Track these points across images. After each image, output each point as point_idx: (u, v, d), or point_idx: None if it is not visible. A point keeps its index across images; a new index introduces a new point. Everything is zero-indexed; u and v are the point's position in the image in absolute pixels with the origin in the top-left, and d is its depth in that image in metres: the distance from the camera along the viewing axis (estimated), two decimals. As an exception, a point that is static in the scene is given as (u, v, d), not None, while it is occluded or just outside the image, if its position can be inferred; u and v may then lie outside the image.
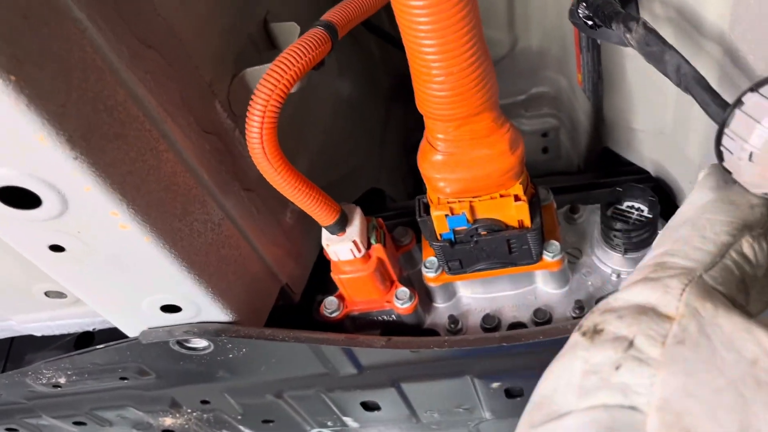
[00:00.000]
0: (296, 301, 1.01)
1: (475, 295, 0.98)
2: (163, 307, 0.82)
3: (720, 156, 0.53)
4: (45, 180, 0.62)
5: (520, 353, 0.92)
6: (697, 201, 0.52)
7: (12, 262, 0.92)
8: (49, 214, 0.65)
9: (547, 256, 0.90)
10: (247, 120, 0.72)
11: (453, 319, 0.95)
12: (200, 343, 0.90)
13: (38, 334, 1.11)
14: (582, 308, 0.91)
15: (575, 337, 0.45)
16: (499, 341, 0.87)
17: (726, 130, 0.52)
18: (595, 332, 0.44)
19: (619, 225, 0.89)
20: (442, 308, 0.99)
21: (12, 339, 1.17)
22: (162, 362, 0.93)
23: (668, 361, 0.39)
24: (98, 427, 1.13)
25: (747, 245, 0.48)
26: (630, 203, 0.92)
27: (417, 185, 1.52)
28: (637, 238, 0.90)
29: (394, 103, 1.40)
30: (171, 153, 0.71)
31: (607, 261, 0.94)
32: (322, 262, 1.05)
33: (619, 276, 0.94)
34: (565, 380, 0.43)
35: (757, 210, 0.50)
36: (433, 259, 0.93)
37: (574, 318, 0.92)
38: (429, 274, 0.93)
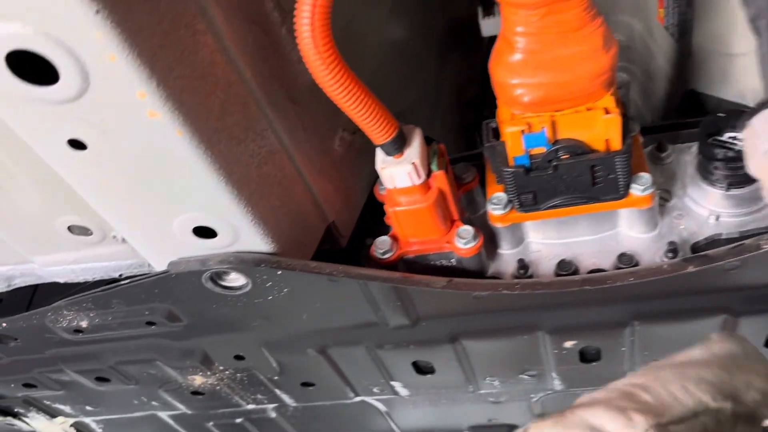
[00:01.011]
0: (342, 246, 0.91)
1: (547, 240, 0.86)
2: (197, 230, 0.72)
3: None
4: (63, 42, 0.52)
5: (603, 303, 0.79)
6: (697, 355, 0.51)
7: (33, 189, 0.83)
8: (67, 92, 0.56)
9: (635, 190, 0.78)
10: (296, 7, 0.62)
11: (522, 264, 0.83)
12: (237, 281, 0.80)
13: (61, 280, 1.02)
14: (675, 251, 0.78)
15: None
16: (580, 284, 0.75)
17: None
18: None
19: (722, 153, 0.77)
20: (507, 254, 0.87)
21: (35, 288, 1.09)
22: (193, 304, 0.83)
23: None
24: (122, 386, 1.04)
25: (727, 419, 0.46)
26: (732, 134, 0.79)
27: (470, 143, 1.40)
28: (744, 170, 0.77)
29: (448, 53, 1.29)
30: (209, 36, 0.61)
31: (704, 201, 0.81)
32: (372, 207, 0.94)
33: (718, 218, 0.81)
34: None
35: (752, 394, 0.48)
36: (501, 194, 0.82)
37: (667, 261, 0.79)
38: (495, 212, 0.82)
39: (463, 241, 0.81)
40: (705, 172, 0.80)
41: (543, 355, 0.89)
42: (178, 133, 0.60)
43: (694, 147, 0.85)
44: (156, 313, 0.85)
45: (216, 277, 0.80)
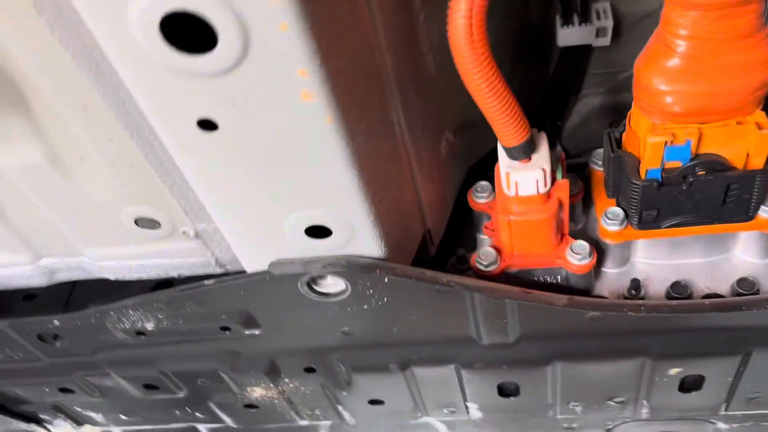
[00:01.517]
0: (431, 255, 0.85)
1: (657, 261, 0.81)
2: (310, 229, 0.66)
3: None
4: (231, 4, 0.46)
5: (721, 330, 0.75)
6: None
7: (107, 174, 0.76)
8: (220, 63, 0.49)
9: (764, 213, 0.74)
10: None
11: (635, 285, 0.78)
12: (334, 287, 0.74)
13: (112, 276, 0.94)
14: (804, 280, 0.75)
15: None
16: (710, 308, 0.70)
17: None
18: None
19: None
20: (612, 273, 0.82)
21: (74, 285, 1.00)
22: (278, 310, 0.76)
23: None
24: (170, 395, 0.95)
25: None
26: None
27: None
28: None
29: (517, 61, 1.24)
30: (366, 14, 0.55)
31: (828, 228, 0.78)
32: (456, 216, 0.89)
33: (840, 247, 0.77)
34: None
35: None
36: (617, 209, 0.77)
37: (790, 292, 0.75)
38: (610, 228, 0.77)
39: (578, 257, 0.76)
40: (831, 198, 0.76)
41: (640, 381, 0.84)
42: (327, 119, 0.54)
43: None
44: (233, 317, 0.78)
45: (312, 282, 0.73)
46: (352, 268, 0.67)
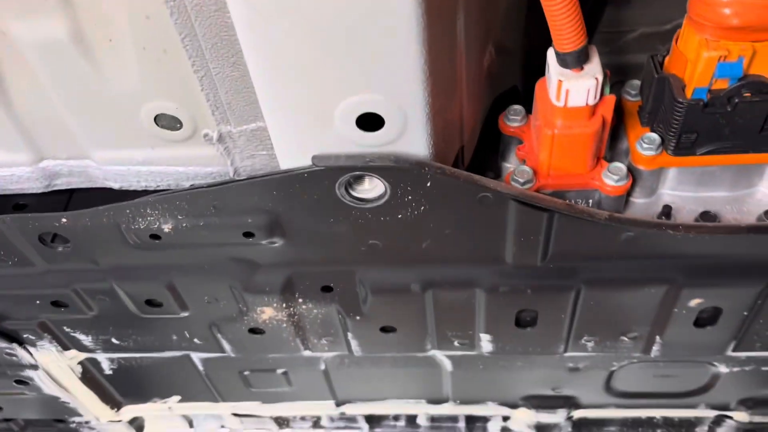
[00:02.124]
0: (461, 177, 0.83)
1: (684, 193, 0.82)
2: (362, 119, 0.63)
3: None
4: None
5: (748, 259, 0.76)
6: None
7: (134, 61, 0.71)
8: None
9: (797, 144, 0.75)
10: None
11: (667, 211, 0.78)
12: (372, 191, 0.71)
13: (116, 185, 0.88)
14: (829, 212, 0.76)
15: None
16: (747, 230, 0.71)
17: None
18: None
19: None
20: (640, 204, 0.82)
21: (70, 196, 0.94)
22: (309, 215, 0.73)
23: None
24: (171, 315, 0.91)
25: None
26: None
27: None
28: None
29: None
30: None
31: None
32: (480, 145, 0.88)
33: None
34: None
35: None
36: (653, 135, 0.77)
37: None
38: (646, 153, 0.77)
39: (615, 179, 0.76)
40: None
41: (657, 314, 0.84)
42: (406, -18, 0.52)
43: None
44: (259, 221, 0.74)
45: (349, 185, 0.70)
46: (400, 163, 0.65)
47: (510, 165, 0.87)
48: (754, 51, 0.67)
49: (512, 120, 0.82)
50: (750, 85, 0.69)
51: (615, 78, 1.30)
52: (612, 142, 0.85)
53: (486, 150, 0.89)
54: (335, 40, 0.56)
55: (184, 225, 0.76)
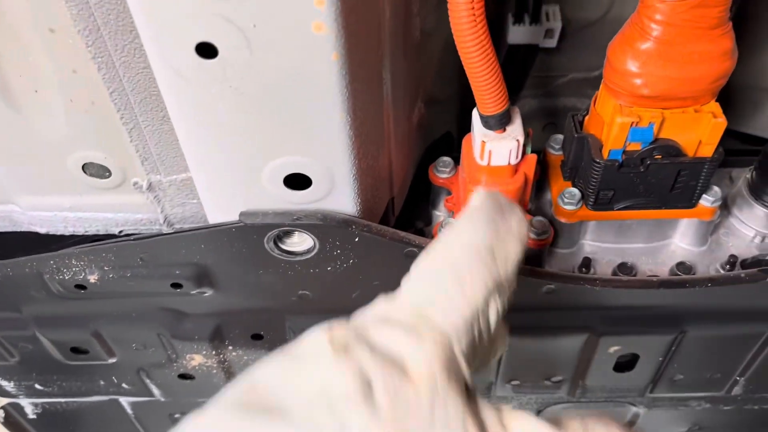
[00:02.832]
0: (391, 225, 0.85)
1: (603, 244, 0.85)
2: (290, 179, 0.64)
3: None
4: None
5: (660, 310, 0.80)
6: (466, 238, 0.53)
7: (62, 111, 0.71)
8: (237, -21, 0.48)
9: (705, 201, 0.79)
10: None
11: (586, 262, 0.82)
12: (301, 244, 0.72)
13: (43, 230, 0.87)
14: (734, 264, 0.81)
15: (323, 343, 0.45)
16: (658, 285, 0.75)
17: None
18: (345, 351, 0.44)
19: (784, 177, 0.81)
20: (562, 254, 0.85)
21: (-5, 236, 0.91)
22: (237, 267, 0.74)
23: (391, 415, 0.42)
24: (98, 362, 0.89)
25: (493, 310, 0.51)
26: (782, 161, 0.84)
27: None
28: (801, 195, 0.81)
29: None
30: (377, -44, 0.55)
31: (752, 222, 0.85)
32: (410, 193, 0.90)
33: (764, 239, 0.85)
34: (300, 392, 0.43)
35: (510, 264, 0.54)
36: (574, 190, 0.80)
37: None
38: (567, 207, 0.80)
39: (535, 232, 0.79)
40: (759, 193, 0.84)
41: (577, 360, 0.87)
42: (333, 55, 0.53)
43: (739, 170, 0.89)
44: (187, 273, 0.74)
45: (278, 239, 0.71)
46: (327, 221, 0.66)
47: (440, 213, 0.89)
48: (663, 117, 0.71)
49: (441, 171, 0.85)
50: (660, 148, 0.73)
51: (546, 120, 1.35)
52: (538, 191, 0.88)
53: (418, 198, 0.91)
54: (261, 106, 0.57)
55: (111, 276, 0.75)
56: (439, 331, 0.47)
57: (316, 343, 0.45)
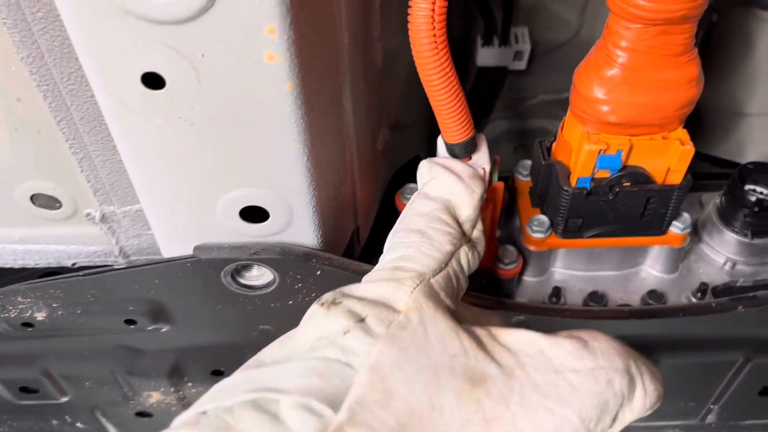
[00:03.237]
0: (356, 257, 0.82)
1: (574, 272, 0.84)
2: (246, 212, 0.61)
3: None
4: (208, -57, 0.42)
5: (635, 339, 0.78)
6: (422, 209, 0.60)
7: (6, 140, 0.68)
8: (182, 9, 0.45)
9: (675, 228, 0.78)
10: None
11: (556, 292, 0.80)
12: (260, 278, 0.69)
13: (-9, 263, 0.83)
14: (705, 292, 0.79)
15: (314, 308, 0.50)
16: (628, 316, 0.73)
17: None
18: (333, 304, 0.49)
19: (751, 202, 0.80)
20: (531, 282, 0.83)
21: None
22: (194, 302, 0.70)
23: (389, 338, 0.46)
24: (48, 401, 0.84)
25: (464, 254, 0.57)
26: (752, 186, 0.83)
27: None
28: (770, 220, 0.81)
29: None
30: (333, -15, 0.53)
31: (722, 248, 0.84)
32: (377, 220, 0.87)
33: (734, 266, 0.84)
34: (300, 346, 0.48)
35: (469, 220, 0.61)
36: (543, 217, 0.79)
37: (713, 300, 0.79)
38: (536, 235, 0.78)
39: (506, 262, 0.77)
40: (729, 219, 0.83)
41: (551, 390, 0.85)
42: (287, 86, 0.51)
43: (709, 194, 0.88)
44: (141, 309, 0.71)
45: (236, 272, 0.68)
46: (286, 255, 0.63)
47: (407, 241, 0.87)
48: (631, 144, 0.70)
49: (408, 198, 0.82)
50: (629, 175, 0.72)
51: (517, 142, 1.34)
52: (507, 218, 0.86)
53: (385, 225, 0.88)
54: (212, 137, 0.54)
55: (60, 313, 0.71)
56: (416, 272, 0.52)
57: (308, 311, 0.50)
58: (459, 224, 0.59)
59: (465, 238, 0.59)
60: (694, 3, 0.60)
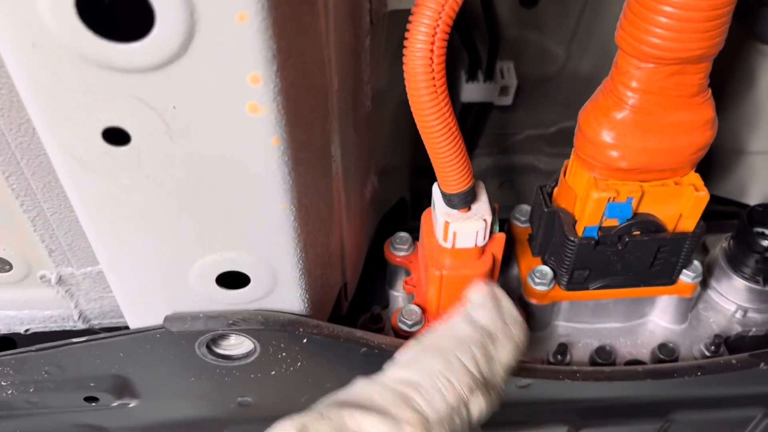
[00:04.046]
0: (343, 312, 0.75)
1: (579, 325, 0.78)
2: (223, 277, 0.54)
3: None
4: (180, -19, 0.35)
5: (642, 398, 0.72)
6: (460, 332, 0.56)
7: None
8: (150, 56, 0.38)
9: (685, 277, 0.73)
10: (419, 3, 0.50)
11: (562, 350, 0.74)
12: (238, 348, 0.62)
13: (-66, 332, 0.74)
14: (719, 345, 0.74)
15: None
16: (644, 376, 0.67)
17: None
18: None
19: (763, 247, 0.75)
20: (533, 337, 0.77)
21: None
22: (165, 376, 0.62)
23: None
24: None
25: (476, 406, 0.53)
26: (762, 229, 0.78)
27: (417, 210, 1.31)
28: (784, 266, 0.76)
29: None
30: (323, 22, 0.47)
31: (732, 295, 0.79)
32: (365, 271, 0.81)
33: (746, 314, 0.79)
34: None
35: (501, 367, 0.56)
36: (545, 268, 0.73)
37: (708, 357, 0.74)
38: (539, 288, 0.72)
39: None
40: (739, 264, 0.78)
41: (558, 453, 0.79)
42: (273, 141, 0.44)
43: (713, 237, 0.84)
44: (104, 385, 0.63)
45: (212, 342, 0.60)
46: (269, 325, 0.56)
47: (398, 294, 0.80)
48: (642, 191, 0.64)
49: (398, 249, 0.76)
50: (639, 224, 0.67)
51: (501, 178, 1.29)
52: (504, 267, 0.80)
53: (373, 277, 0.82)
54: (185, 197, 0.47)
55: (10, 392, 0.62)
56: (421, 414, 0.47)
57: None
58: (488, 361, 0.55)
59: (486, 382, 0.54)
60: (713, 41, 0.55)
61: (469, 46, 0.99)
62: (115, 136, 0.43)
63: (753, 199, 0.89)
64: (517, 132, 1.19)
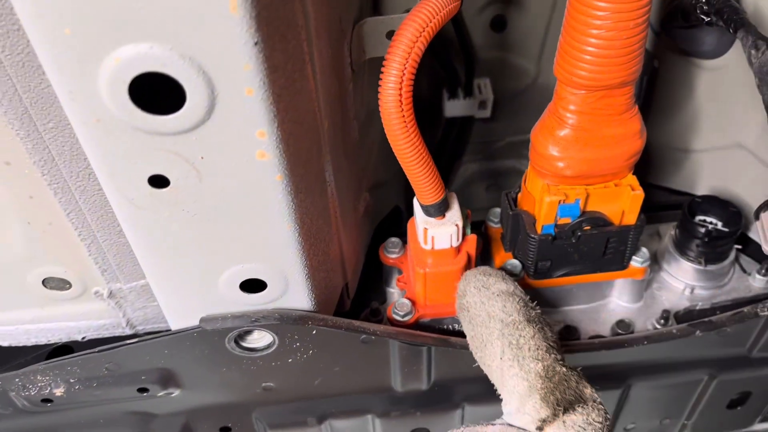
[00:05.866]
0: (347, 308, 0.89)
1: (547, 308, 0.91)
2: (245, 284, 0.68)
3: None
4: (204, 68, 0.49)
5: (608, 367, 0.85)
6: None
7: (20, 233, 0.73)
8: (184, 123, 0.52)
9: (635, 263, 0.86)
10: (388, 58, 0.63)
11: (533, 329, 0.87)
12: (260, 341, 0.75)
13: (5, 343, 0.88)
14: (668, 318, 0.87)
15: None
16: (599, 347, 0.80)
17: None
18: None
19: (702, 233, 0.88)
20: (510, 321, 0.90)
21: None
22: (200, 367, 0.76)
23: None
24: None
25: None
26: (702, 217, 0.91)
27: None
28: (720, 248, 0.88)
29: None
30: (312, 82, 0.60)
31: (681, 275, 0.92)
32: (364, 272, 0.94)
33: (693, 291, 0.91)
34: None
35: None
36: (515, 261, 0.86)
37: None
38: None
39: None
40: (684, 248, 0.90)
41: None
42: (277, 177, 0.58)
43: (666, 225, 0.96)
44: (153, 377, 0.77)
45: (238, 337, 0.74)
46: (284, 320, 0.70)
47: (393, 290, 0.94)
48: (587, 193, 0.77)
49: (391, 252, 0.89)
50: (588, 220, 0.79)
51: (488, 181, 1.42)
52: (483, 262, 0.93)
53: (372, 276, 0.95)
54: (212, 224, 0.61)
55: (77, 388, 0.76)
56: None
57: None
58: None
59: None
60: (631, 70, 0.68)
61: (448, 68, 1.11)
62: (158, 181, 0.57)
63: (701, 189, 1.01)
64: (498, 139, 1.32)
